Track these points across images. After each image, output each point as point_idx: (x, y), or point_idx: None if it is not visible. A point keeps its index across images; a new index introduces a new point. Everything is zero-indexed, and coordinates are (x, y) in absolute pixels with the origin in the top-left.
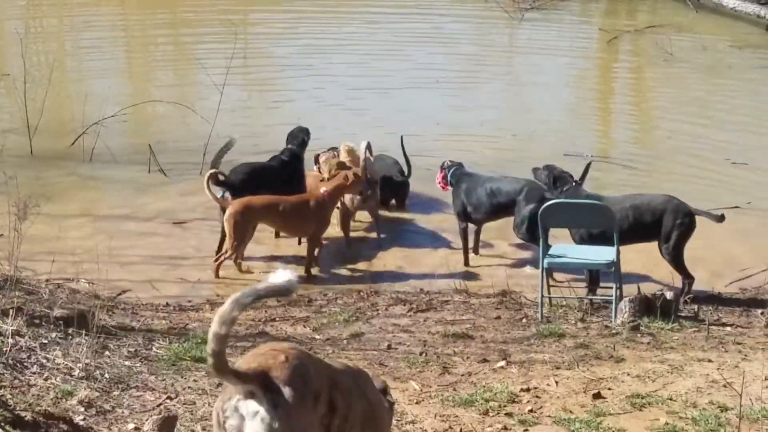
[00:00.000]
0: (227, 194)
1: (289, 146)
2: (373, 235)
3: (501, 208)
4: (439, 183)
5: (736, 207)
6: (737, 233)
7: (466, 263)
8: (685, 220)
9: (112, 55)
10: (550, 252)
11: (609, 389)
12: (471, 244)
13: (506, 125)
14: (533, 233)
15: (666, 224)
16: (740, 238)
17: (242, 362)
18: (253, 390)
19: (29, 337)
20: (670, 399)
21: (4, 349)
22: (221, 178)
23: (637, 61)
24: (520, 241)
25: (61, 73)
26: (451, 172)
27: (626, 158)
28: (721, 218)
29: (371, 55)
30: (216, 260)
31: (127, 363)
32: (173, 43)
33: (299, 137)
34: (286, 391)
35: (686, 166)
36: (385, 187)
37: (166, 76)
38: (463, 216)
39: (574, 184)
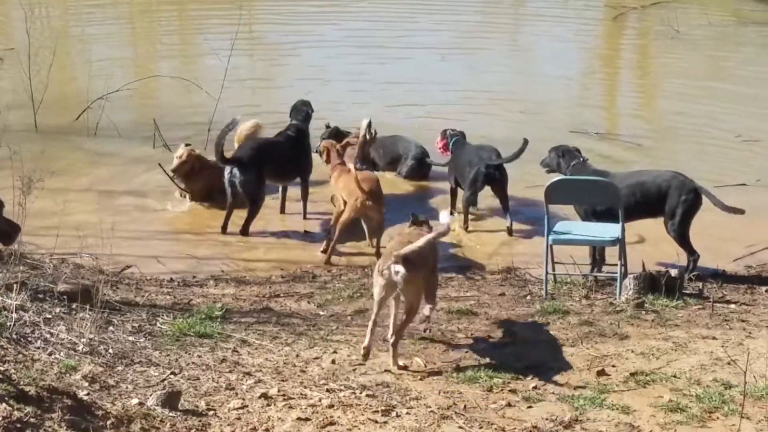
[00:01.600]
0: (235, 170)
1: (294, 121)
2: None
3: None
4: (440, 148)
5: (743, 184)
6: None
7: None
8: (690, 197)
9: (117, 30)
10: (555, 229)
11: (613, 366)
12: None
13: (513, 101)
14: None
15: (671, 201)
16: (746, 216)
17: (395, 244)
18: (397, 260)
19: (33, 312)
20: (674, 376)
21: (8, 324)
22: (227, 156)
23: (643, 38)
24: (525, 218)
25: (66, 48)
26: (453, 141)
27: (632, 135)
28: (732, 210)
29: (378, 29)
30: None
31: (131, 338)
32: (178, 17)
33: (303, 111)
34: (412, 259)
35: (694, 143)
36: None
37: (170, 50)
38: (455, 184)
39: (581, 160)
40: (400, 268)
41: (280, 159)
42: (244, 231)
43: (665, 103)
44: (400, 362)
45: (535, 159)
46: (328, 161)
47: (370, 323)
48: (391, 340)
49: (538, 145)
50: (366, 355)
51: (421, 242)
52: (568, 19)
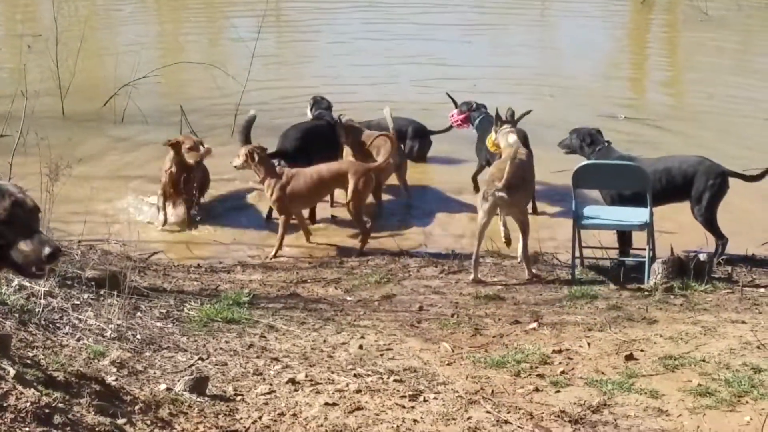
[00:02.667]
0: (283, 163)
1: (321, 111)
2: (402, 197)
3: None
4: (457, 121)
5: None
6: None
7: None
8: (717, 181)
9: (144, 16)
10: (582, 213)
11: (641, 351)
12: None
13: (541, 84)
14: None
15: (698, 185)
16: None
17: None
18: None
19: (61, 298)
20: (703, 360)
21: (37, 310)
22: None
23: (671, 20)
24: (552, 202)
25: (93, 35)
26: (480, 118)
27: (661, 117)
28: (752, 178)
29: (405, 14)
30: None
31: (158, 324)
32: (204, 4)
33: (324, 102)
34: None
35: (723, 126)
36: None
37: (197, 36)
38: (486, 162)
39: (606, 144)
40: (503, 194)
41: (324, 146)
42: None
43: (694, 86)
44: (428, 346)
45: None
46: (250, 166)
47: (474, 258)
48: (522, 258)
49: (566, 129)
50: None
51: (506, 177)
52: (595, 4)
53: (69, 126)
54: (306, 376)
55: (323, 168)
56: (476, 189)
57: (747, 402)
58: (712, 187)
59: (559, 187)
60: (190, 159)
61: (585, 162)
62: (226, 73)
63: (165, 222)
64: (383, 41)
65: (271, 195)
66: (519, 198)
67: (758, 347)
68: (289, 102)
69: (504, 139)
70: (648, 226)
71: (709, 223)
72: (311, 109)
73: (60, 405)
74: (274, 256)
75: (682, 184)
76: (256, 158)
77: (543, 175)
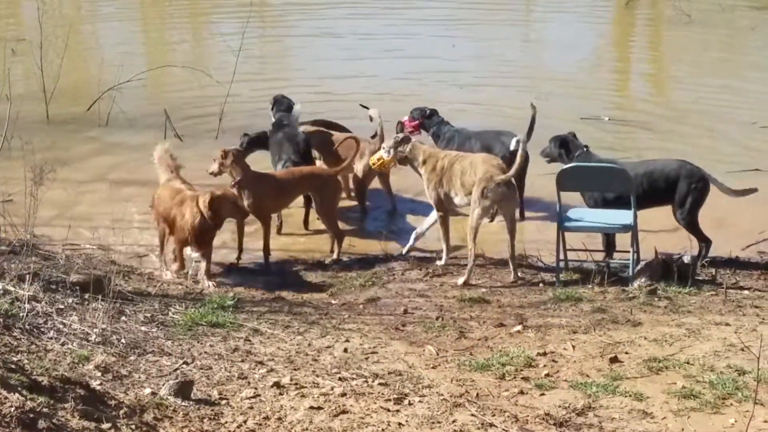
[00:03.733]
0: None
1: (281, 114)
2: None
3: None
4: (409, 128)
5: (756, 169)
6: (756, 196)
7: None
8: (699, 185)
9: (128, 20)
10: (567, 215)
11: (626, 353)
12: None
13: (524, 88)
14: None
15: (680, 190)
16: (759, 201)
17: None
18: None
19: (46, 303)
20: (688, 363)
21: (21, 314)
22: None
23: (655, 23)
24: (537, 205)
25: (78, 39)
26: (438, 123)
27: (645, 120)
28: (742, 193)
29: (388, 17)
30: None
31: (143, 328)
32: (189, 7)
33: (285, 102)
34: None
35: (707, 128)
36: None
37: (181, 40)
38: None
39: (585, 149)
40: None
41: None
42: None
43: (678, 89)
44: (412, 350)
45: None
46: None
47: (471, 261)
48: (510, 257)
49: (550, 131)
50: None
51: (512, 171)
52: (580, 4)
53: (53, 130)
54: (291, 379)
55: (290, 172)
56: None
57: (731, 404)
58: (694, 191)
59: (544, 190)
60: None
61: (569, 165)
62: (211, 77)
63: (182, 268)
64: (370, 40)
65: (247, 198)
66: (516, 194)
67: (742, 349)
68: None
69: (416, 150)
70: (632, 229)
71: (692, 226)
72: (273, 109)
73: (44, 410)
74: (266, 262)
75: (664, 189)
76: (231, 159)
77: (528, 177)
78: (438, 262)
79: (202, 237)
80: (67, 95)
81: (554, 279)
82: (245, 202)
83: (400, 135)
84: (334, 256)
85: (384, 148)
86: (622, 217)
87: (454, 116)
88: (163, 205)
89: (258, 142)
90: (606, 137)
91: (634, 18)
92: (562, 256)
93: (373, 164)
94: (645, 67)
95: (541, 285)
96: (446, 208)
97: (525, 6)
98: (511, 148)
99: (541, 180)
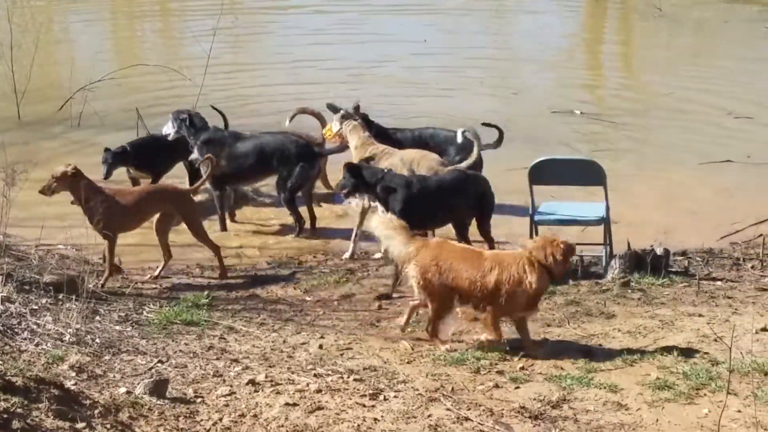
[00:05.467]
0: None
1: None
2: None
3: None
4: (333, 135)
5: (728, 161)
6: (730, 188)
7: None
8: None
9: (100, 20)
10: (539, 209)
11: (600, 345)
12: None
13: (496, 83)
14: None
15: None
16: (731, 193)
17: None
18: None
19: (19, 304)
20: (661, 354)
21: None
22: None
23: (626, 17)
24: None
25: (49, 39)
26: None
27: (617, 114)
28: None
29: (358, 21)
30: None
31: (117, 327)
32: (160, 5)
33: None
34: None
35: (680, 121)
36: None
37: (153, 39)
38: None
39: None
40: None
41: None
42: None
43: (650, 82)
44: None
45: (517, 139)
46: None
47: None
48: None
49: (523, 125)
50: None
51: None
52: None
53: (25, 130)
54: (266, 377)
55: (142, 190)
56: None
57: (705, 394)
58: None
59: (515, 184)
60: None
61: (541, 158)
62: (183, 75)
63: None
64: (340, 45)
65: (93, 216)
66: None
67: (715, 340)
68: (246, 102)
69: (356, 132)
70: (605, 221)
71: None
72: (188, 126)
73: (18, 410)
74: (102, 286)
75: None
76: (68, 181)
77: (500, 171)
78: (345, 255)
79: None
80: (38, 95)
81: None
82: (92, 221)
83: (351, 109)
84: (218, 274)
85: (335, 118)
86: (595, 209)
87: (420, 113)
88: None
89: (121, 158)
90: (578, 131)
91: (605, 11)
92: None
93: (325, 133)
94: (616, 60)
95: None
96: None
97: (496, 3)
98: (458, 141)
99: (513, 173)
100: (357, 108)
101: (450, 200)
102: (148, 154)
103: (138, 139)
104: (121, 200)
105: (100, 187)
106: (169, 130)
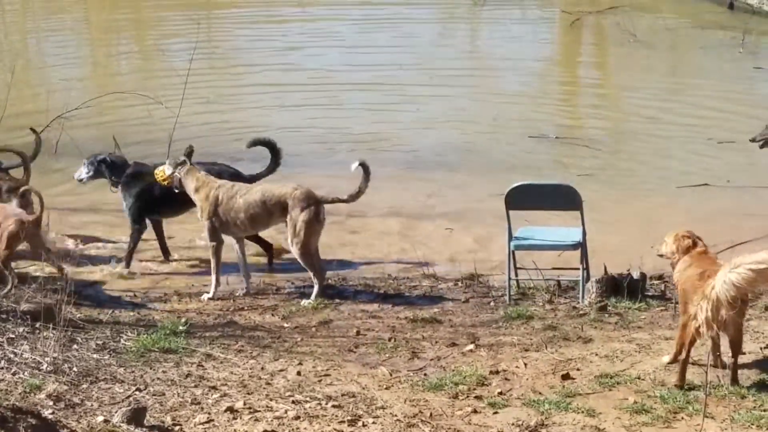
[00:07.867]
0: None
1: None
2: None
3: None
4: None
5: (705, 184)
6: (707, 211)
7: None
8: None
9: (76, 49)
10: (516, 234)
11: (578, 370)
12: None
13: (471, 109)
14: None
15: None
16: (707, 216)
17: None
18: None
19: None
20: (639, 378)
21: None
22: None
23: (601, 43)
24: (488, 226)
25: (25, 68)
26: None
27: (593, 139)
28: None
29: (335, 46)
30: None
31: (95, 356)
32: (136, 33)
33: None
34: None
35: (654, 146)
36: None
37: (130, 67)
38: None
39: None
40: None
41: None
42: None
43: (625, 107)
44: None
45: (498, 166)
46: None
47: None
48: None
49: (497, 150)
50: None
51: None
52: (525, 25)
53: (1, 158)
54: (244, 404)
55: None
56: None
57: (682, 418)
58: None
59: (493, 209)
60: None
61: (518, 183)
62: (159, 103)
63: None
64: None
65: None
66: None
67: (692, 363)
68: (224, 129)
69: (191, 175)
70: (581, 246)
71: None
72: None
73: None
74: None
75: None
76: None
77: (478, 197)
78: (205, 296)
79: None
80: (14, 123)
81: (506, 297)
82: None
83: (182, 157)
84: None
85: (167, 163)
86: (571, 234)
87: (393, 138)
88: None
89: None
90: (553, 155)
91: (579, 37)
92: (512, 275)
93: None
94: (592, 85)
95: (492, 303)
96: (220, 238)
97: (470, 26)
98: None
99: (492, 199)
100: (190, 153)
101: None
102: None
103: None
104: None
105: None
106: (82, 175)
